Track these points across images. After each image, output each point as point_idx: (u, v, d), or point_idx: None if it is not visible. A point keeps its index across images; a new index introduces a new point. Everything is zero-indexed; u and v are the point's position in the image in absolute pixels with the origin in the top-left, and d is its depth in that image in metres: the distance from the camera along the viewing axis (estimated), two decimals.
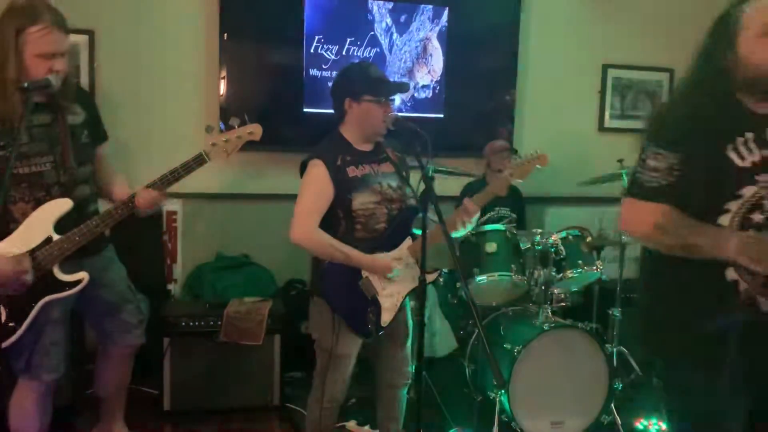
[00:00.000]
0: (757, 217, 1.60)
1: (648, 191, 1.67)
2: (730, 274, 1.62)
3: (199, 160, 2.38)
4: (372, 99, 2.36)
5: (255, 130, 2.44)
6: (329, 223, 2.35)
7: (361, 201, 2.36)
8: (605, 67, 4.44)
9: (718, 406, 1.66)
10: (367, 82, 2.38)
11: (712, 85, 1.66)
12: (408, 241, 2.44)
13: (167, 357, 3.17)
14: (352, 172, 2.37)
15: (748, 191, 1.60)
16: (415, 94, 4.12)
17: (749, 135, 1.62)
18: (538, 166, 2.51)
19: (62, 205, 2.29)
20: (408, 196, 2.48)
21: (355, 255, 2.33)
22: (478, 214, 2.49)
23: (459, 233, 2.50)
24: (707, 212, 1.64)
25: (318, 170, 2.34)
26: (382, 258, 2.38)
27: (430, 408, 3.24)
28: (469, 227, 2.50)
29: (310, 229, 2.31)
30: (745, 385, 1.65)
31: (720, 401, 1.66)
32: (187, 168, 2.38)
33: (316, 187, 2.34)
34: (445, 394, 3.36)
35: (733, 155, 1.62)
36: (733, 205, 1.62)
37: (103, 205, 2.49)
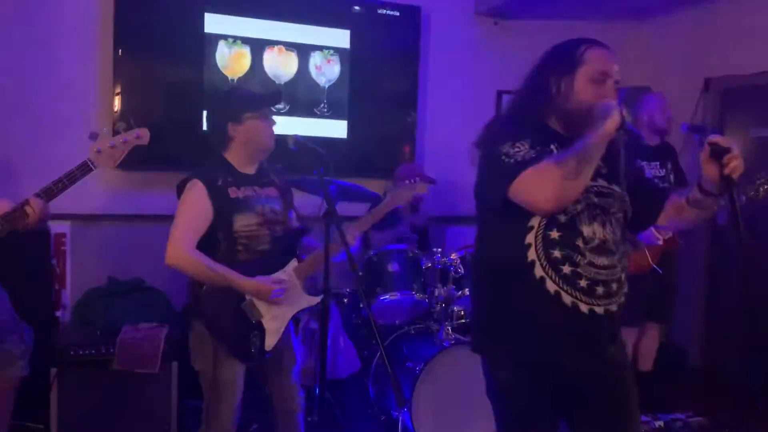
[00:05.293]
0: (562, 217, 1.69)
1: (525, 162, 1.66)
2: (538, 271, 1.69)
3: (84, 169, 2.23)
4: (252, 115, 2.35)
5: (142, 134, 2.32)
6: (208, 245, 2.29)
7: (243, 222, 2.32)
8: (500, 93, 4.63)
9: (530, 403, 1.75)
10: (241, 101, 2.39)
11: (528, 108, 1.80)
12: (294, 263, 2.43)
13: (54, 388, 2.98)
14: (233, 192, 2.33)
15: None
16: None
17: (553, 146, 1.74)
18: (416, 192, 2.68)
19: None
20: (291, 219, 2.49)
21: (235, 277, 2.27)
22: (356, 243, 2.55)
23: (337, 258, 2.47)
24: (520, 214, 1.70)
25: (195, 189, 2.29)
26: (263, 281, 2.32)
27: (333, 430, 3.22)
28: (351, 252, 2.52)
29: (185, 251, 2.24)
30: (559, 382, 1.75)
31: (531, 399, 1.75)
32: (72, 178, 2.22)
33: (192, 207, 2.29)
34: (348, 415, 3.36)
35: None
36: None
37: None
